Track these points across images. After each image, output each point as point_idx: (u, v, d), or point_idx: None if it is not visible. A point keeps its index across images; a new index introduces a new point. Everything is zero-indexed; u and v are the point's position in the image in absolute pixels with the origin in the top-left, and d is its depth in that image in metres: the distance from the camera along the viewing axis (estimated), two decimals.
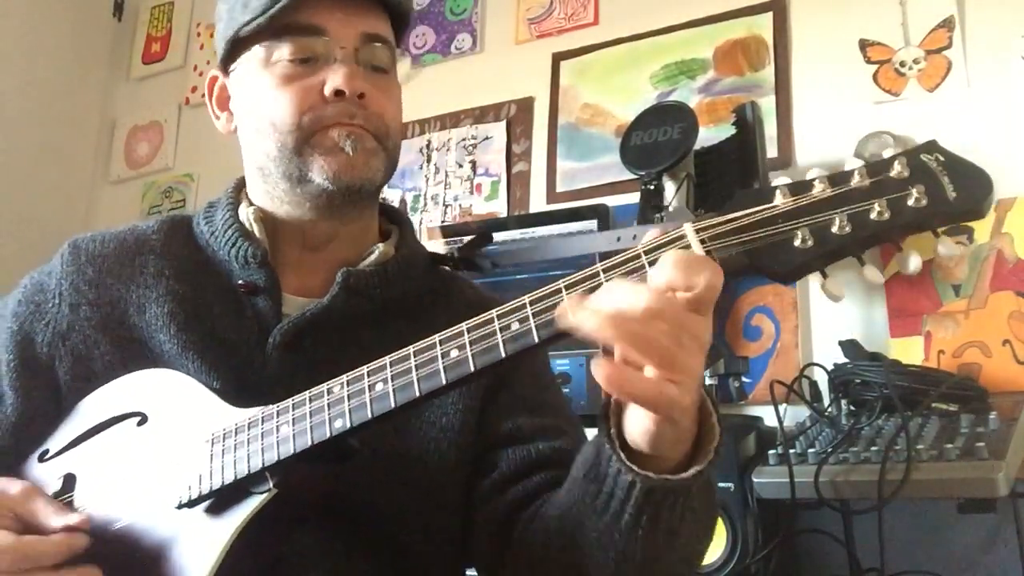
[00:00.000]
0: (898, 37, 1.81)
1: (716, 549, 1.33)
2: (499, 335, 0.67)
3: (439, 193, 2.27)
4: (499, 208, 2.18)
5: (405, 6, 0.96)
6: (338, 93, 0.87)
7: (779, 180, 0.66)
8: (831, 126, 1.83)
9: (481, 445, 0.91)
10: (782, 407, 1.40)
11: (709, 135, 1.80)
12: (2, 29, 2.60)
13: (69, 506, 0.84)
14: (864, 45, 1.83)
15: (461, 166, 2.26)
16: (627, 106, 2.05)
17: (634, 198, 1.70)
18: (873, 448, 1.22)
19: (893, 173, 0.64)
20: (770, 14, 1.96)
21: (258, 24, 0.87)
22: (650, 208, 1.64)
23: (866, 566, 1.34)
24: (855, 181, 0.64)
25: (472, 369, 0.68)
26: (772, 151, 1.82)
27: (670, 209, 1.62)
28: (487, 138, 2.24)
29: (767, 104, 1.88)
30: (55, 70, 2.77)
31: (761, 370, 1.74)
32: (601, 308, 0.60)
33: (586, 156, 2.10)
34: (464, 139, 2.27)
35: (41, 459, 0.89)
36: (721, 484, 1.33)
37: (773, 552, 1.30)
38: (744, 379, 1.71)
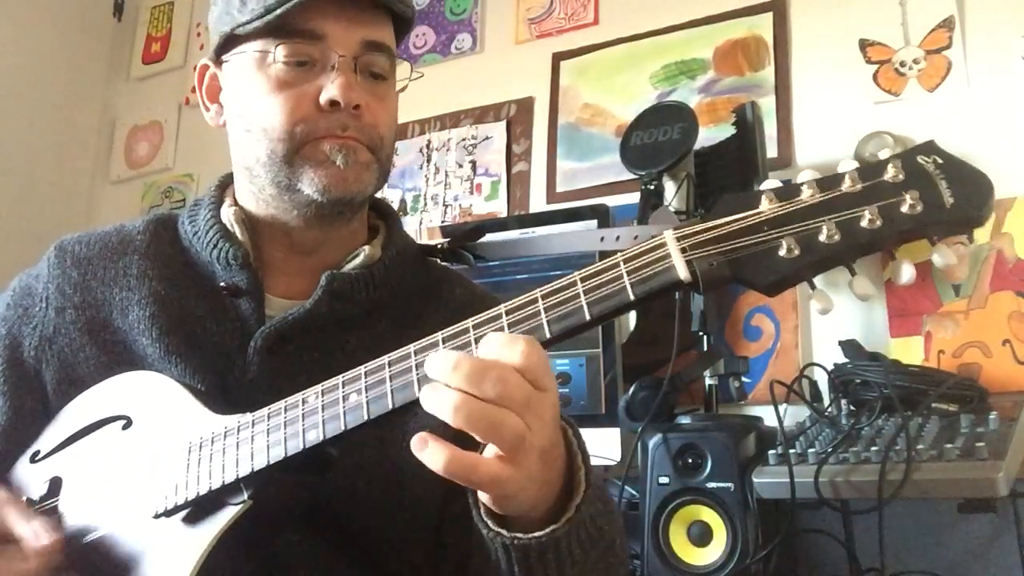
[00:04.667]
0: (898, 37, 1.81)
1: (716, 549, 1.34)
2: (474, 347, 0.65)
3: (439, 193, 2.27)
4: (499, 208, 2.18)
5: (409, 12, 0.93)
6: (333, 104, 0.84)
7: (770, 184, 0.63)
8: (831, 126, 1.83)
9: None
10: (782, 407, 1.40)
11: (709, 135, 1.80)
12: (2, 29, 2.60)
13: (52, 511, 0.84)
14: (864, 45, 1.83)
15: (461, 166, 2.26)
16: (627, 106, 2.05)
17: (634, 198, 1.70)
18: (873, 448, 1.22)
19: (887, 177, 0.60)
20: (770, 14, 1.96)
21: (255, 27, 0.85)
22: (650, 208, 1.64)
23: (866, 566, 1.34)
24: (846, 185, 0.60)
25: None
26: (772, 151, 1.81)
27: (670, 208, 1.62)
28: (487, 138, 2.24)
29: (767, 104, 1.88)
30: (55, 70, 2.76)
31: (761, 370, 1.74)
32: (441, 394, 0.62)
33: (586, 156, 2.10)
34: (464, 139, 2.27)
35: (33, 460, 0.89)
36: (721, 484, 1.33)
37: (773, 552, 1.30)
38: (744, 379, 1.70)
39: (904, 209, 0.59)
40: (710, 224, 0.63)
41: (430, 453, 0.62)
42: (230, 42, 0.90)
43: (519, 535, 0.67)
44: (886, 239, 0.60)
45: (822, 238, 0.60)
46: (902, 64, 1.79)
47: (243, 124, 0.89)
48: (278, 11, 0.84)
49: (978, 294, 1.61)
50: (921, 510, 1.41)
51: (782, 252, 0.61)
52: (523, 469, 0.62)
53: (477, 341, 0.66)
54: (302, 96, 0.86)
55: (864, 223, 0.60)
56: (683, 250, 0.63)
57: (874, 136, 1.72)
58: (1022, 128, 1.64)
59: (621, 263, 0.64)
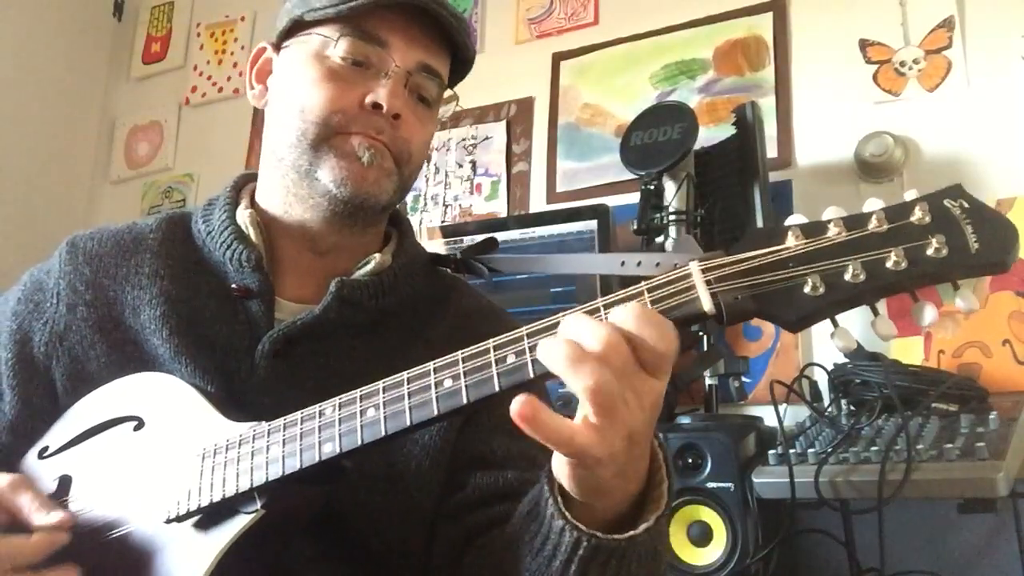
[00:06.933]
0: (898, 37, 1.81)
1: (716, 549, 1.34)
2: (494, 367, 0.65)
3: (439, 193, 2.27)
4: (499, 208, 2.18)
5: (471, 54, 0.96)
6: (376, 106, 0.87)
7: (796, 219, 0.63)
8: (831, 126, 1.83)
9: (455, 462, 0.90)
10: (782, 407, 1.40)
11: (709, 135, 1.80)
12: (2, 29, 2.60)
13: (61, 506, 0.84)
14: (864, 45, 1.84)
15: (461, 166, 2.26)
16: (627, 106, 2.05)
17: (634, 198, 1.70)
18: (873, 448, 1.22)
19: (913, 219, 0.60)
20: (770, 14, 1.96)
21: (326, 14, 0.88)
22: (650, 208, 1.64)
23: (866, 566, 1.34)
24: (872, 225, 0.60)
25: (465, 402, 0.65)
26: (772, 151, 1.82)
27: (670, 209, 1.62)
28: (487, 138, 2.24)
29: (767, 104, 1.88)
30: (55, 70, 2.77)
31: (761, 370, 1.74)
32: (560, 350, 0.58)
33: (586, 156, 2.10)
34: (464, 139, 2.27)
35: (41, 456, 0.89)
36: (721, 484, 1.33)
37: (773, 552, 1.30)
38: (744, 379, 1.71)
39: (930, 252, 0.60)
40: (736, 257, 0.62)
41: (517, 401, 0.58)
42: (297, 28, 0.92)
43: (597, 533, 0.65)
44: (910, 281, 0.61)
45: (847, 277, 0.60)
46: (902, 64, 1.79)
47: (283, 107, 0.91)
48: (352, 3, 0.86)
49: (978, 294, 1.61)
50: (921, 510, 1.41)
51: (807, 289, 0.61)
52: (608, 436, 0.59)
53: (497, 362, 0.65)
54: (348, 91, 0.88)
55: (889, 264, 0.60)
56: (708, 282, 0.62)
57: (874, 136, 1.72)
58: (1022, 128, 1.64)
59: (645, 292, 0.64)
